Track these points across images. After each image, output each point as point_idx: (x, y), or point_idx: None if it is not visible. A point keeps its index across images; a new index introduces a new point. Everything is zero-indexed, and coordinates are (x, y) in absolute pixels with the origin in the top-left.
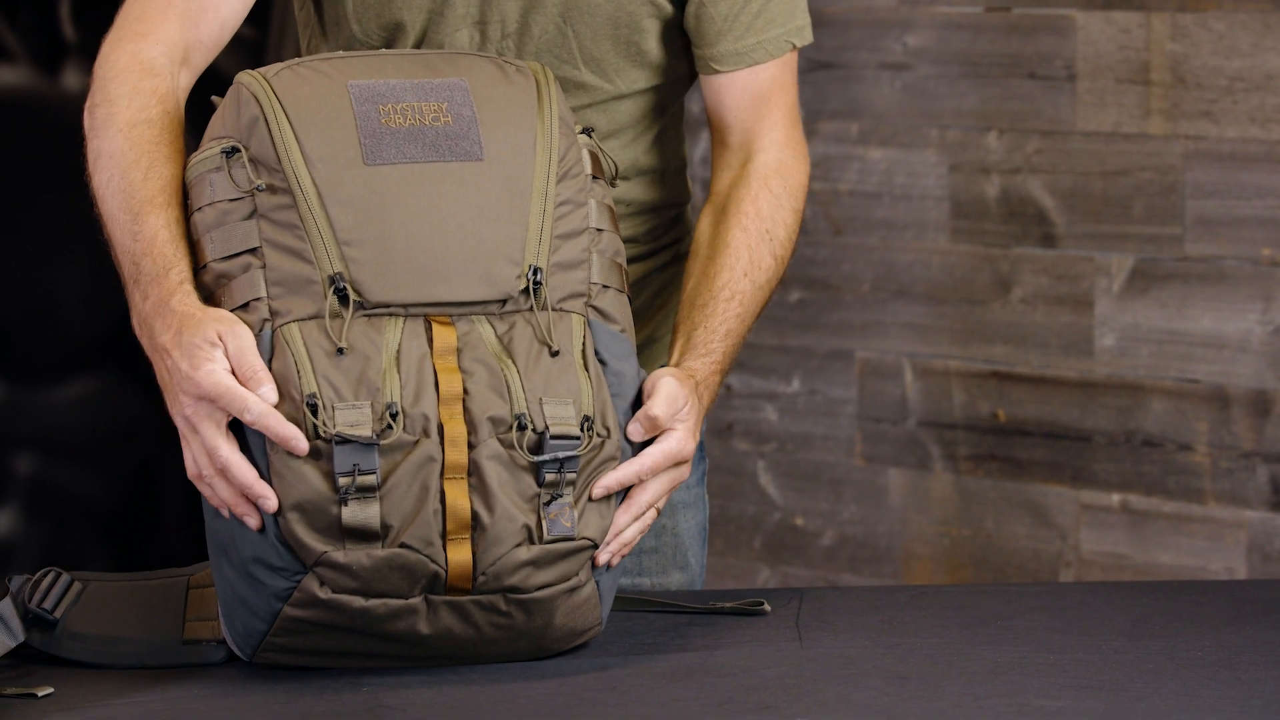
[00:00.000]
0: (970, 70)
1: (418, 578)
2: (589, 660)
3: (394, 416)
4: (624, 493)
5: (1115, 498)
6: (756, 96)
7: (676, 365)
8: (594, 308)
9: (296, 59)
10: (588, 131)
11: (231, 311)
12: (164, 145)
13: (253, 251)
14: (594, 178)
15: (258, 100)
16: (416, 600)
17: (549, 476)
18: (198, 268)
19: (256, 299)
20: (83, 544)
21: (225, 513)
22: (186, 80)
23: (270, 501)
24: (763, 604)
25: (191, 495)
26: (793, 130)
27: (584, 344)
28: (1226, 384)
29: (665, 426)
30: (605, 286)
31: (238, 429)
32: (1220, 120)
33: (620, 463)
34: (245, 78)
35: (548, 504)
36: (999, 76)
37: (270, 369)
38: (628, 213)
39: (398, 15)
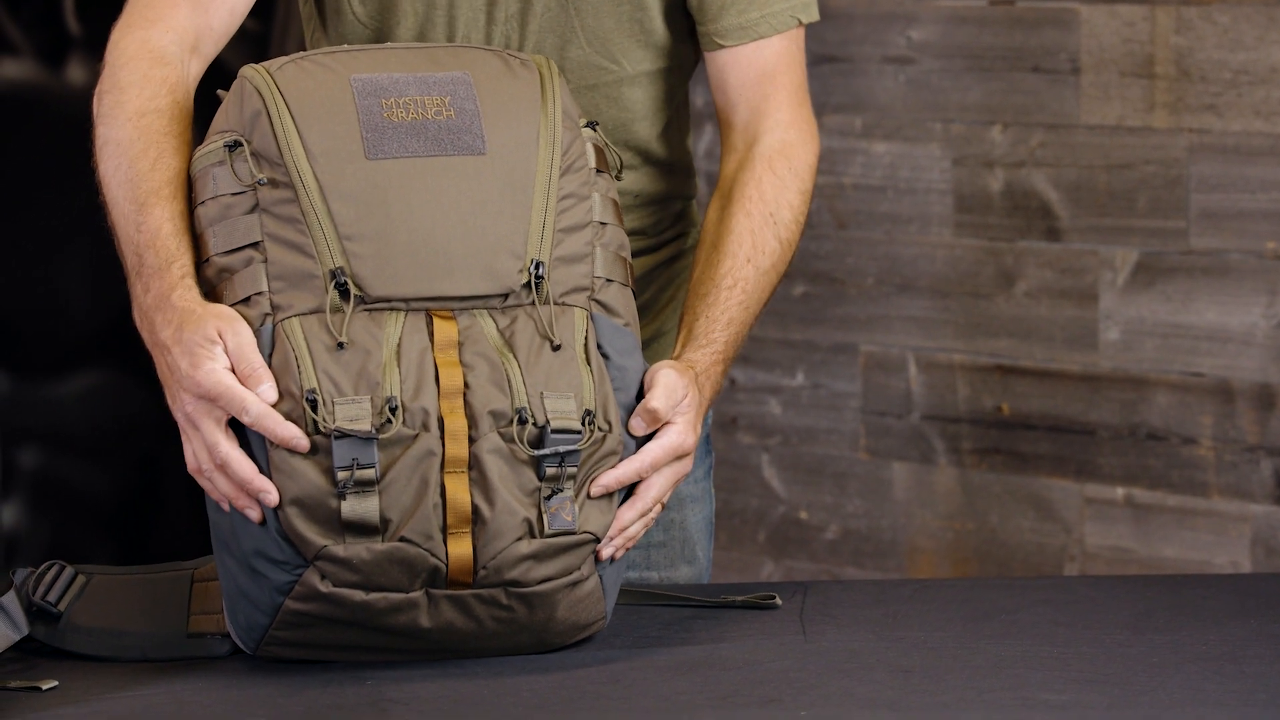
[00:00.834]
0: (974, 64)
1: (418, 571)
2: (592, 653)
3: (393, 411)
4: (628, 487)
5: (1120, 491)
6: (761, 73)
7: (678, 357)
8: (597, 301)
9: (300, 53)
10: (592, 125)
11: (233, 306)
12: (172, 136)
13: (254, 246)
14: (598, 171)
15: (260, 94)
16: (417, 594)
17: (550, 470)
18: (200, 261)
19: (258, 293)
20: (86, 537)
21: (226, 506)
22: (197, 68)
23: (271, 496)
24: (774, 597)
25: (194, 489)
26: (799, 109)
27: (586, 338)
28: (1231, 377)
29: (665, 419)
30: (609, 280)
31: (238, 423)
32: (1225, 114)
33: (622, 457)
34: (249, 71)
35: (548, 498)
36: (1003, 70)
37: (270, 364)
38: (634, 204)
39: None
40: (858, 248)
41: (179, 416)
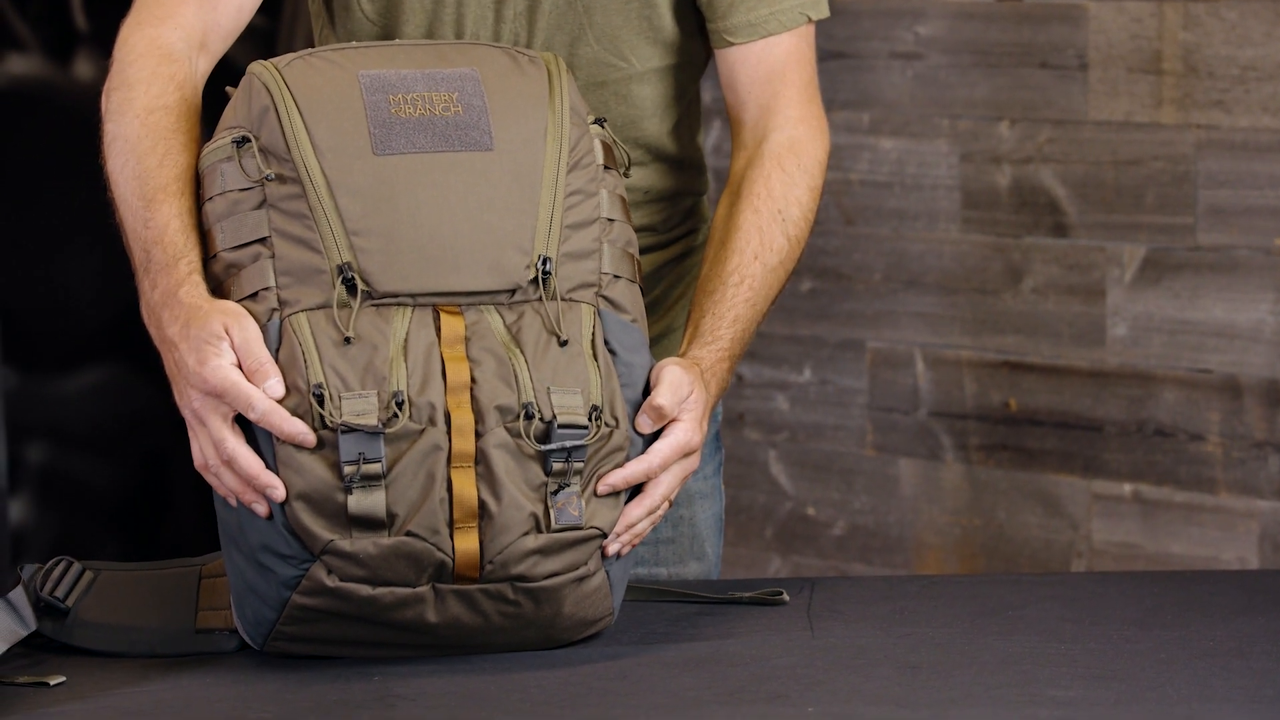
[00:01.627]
0: (982, 60)
1: (424, 566)
2: (600, 649)
3: (400, 405)
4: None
5: (1127, 487)
6: (771, 71)
7: (684, 354)
8: (605, 298)
9: (309, 49)
10: (600, 122)
11: (240, 301)
12: (180, 133)
13: (262, 241)
14: (606, 168)
15: (268, 90)
16: (424, 589)
17: (556, 466)
18: (208, 257)
19: (265, 288)
20: (94, 533)
21: (233, 502)
22: (205, 65)
23: (278, 491)
24: (781, 593)
25: (202, 484)
26: (809, 106)
27: (593, 334)
28: (1238, 374)
29: (671, 416)
30: (616, 276)
31: (245, 418)
32: (1233, 110)
33: (629, 453)
34: (257, 68)
35: (555, 493)
36: (1011, 66)
37: (277, 359)
38: (644, 200)
39: None
40: (865, 244)
41: (186, 412)
